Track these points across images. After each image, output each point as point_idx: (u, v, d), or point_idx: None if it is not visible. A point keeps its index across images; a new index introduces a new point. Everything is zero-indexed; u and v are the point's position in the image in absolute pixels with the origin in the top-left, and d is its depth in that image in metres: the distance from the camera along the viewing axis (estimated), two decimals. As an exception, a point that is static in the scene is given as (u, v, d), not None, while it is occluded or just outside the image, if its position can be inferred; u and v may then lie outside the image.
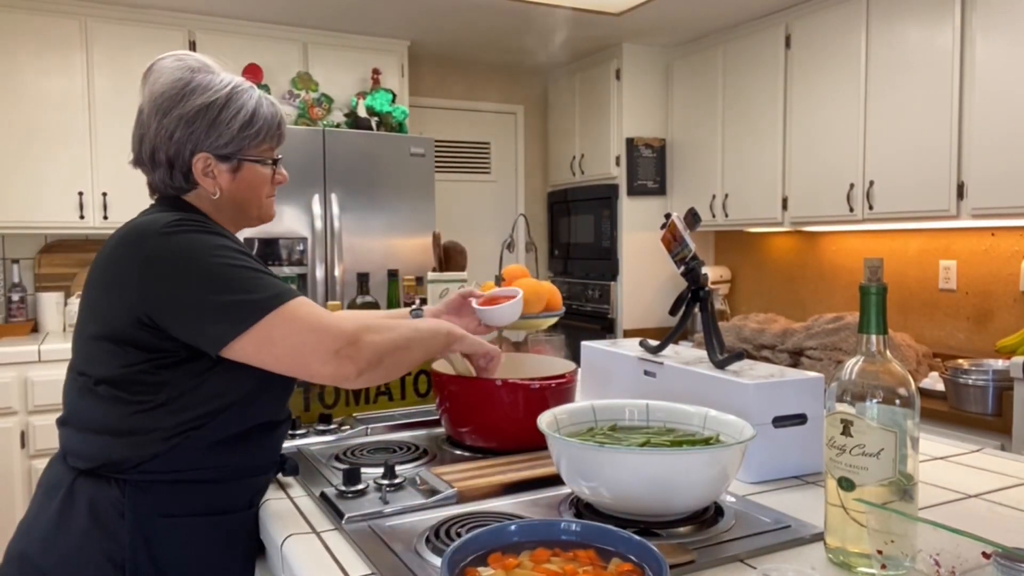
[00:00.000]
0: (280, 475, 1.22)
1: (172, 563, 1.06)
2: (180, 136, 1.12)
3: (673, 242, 1.41)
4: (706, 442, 1.04)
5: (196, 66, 1.16)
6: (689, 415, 1.12)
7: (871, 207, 3.15)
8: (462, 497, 1.09)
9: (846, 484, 0.84)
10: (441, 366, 1.42)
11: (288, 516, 1.08)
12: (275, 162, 1.22)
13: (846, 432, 0.84)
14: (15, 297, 3.50)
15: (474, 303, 1.44)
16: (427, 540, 0.94)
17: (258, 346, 1.01)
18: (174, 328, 1.02)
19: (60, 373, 1.19)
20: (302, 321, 1.02)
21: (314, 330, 1.01)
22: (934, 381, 2.80)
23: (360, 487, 1.11)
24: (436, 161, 4.01)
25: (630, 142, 4.26)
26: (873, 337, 0.85)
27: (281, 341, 1.00)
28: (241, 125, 1.14)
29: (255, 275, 1.04)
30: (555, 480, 1.10)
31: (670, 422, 1.14)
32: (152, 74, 1.16)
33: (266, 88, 3.66)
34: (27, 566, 1.06)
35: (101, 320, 1.06)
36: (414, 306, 1.49)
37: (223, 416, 1.07)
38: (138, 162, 1.17)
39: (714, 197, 4.00)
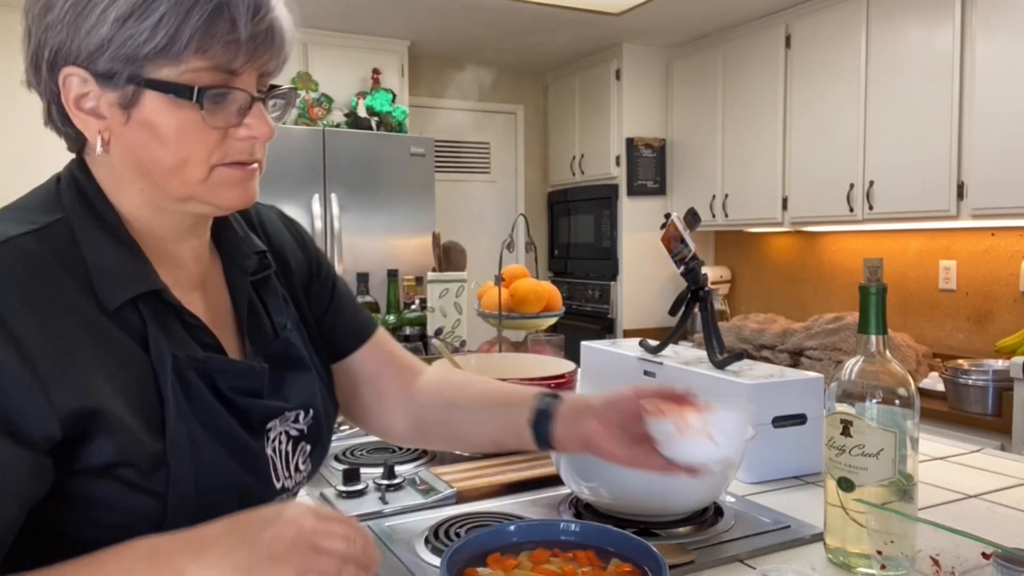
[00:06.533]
0: None
1: None
2: (34, 30, 0.66)
3: (673, 242, 1.41)
4: (706, 442, 1.04)
5: None
6: (689, 415, 1.12)
7: (871, 207, 3.15)
8: (461, 497, 1.09)
9: (846, 484, 0.84)
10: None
11: (287, 516, 1.07)
12: (201, 93, 0.64)
13: (846, 432, 0.84)
14: (15, 297, 3.49)
15: (654, 426, 0.77)
16: (426, 540, 0.94)
17: None
18: None
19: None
20: None
21: None
22: (934, 381, 2.79)
23: (359, 487, 1.11)
24: (436, 161, 4.01)
25: (630, 142, 4.26)
26: (873, 337, 0.85)
27: None
28: (127, 10, 0.61)
29: None
30: (555, 480, 1.09)
31: (670, 422, 1.13)
32: None
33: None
34: None
35: None
36: (547, 391, 0.88)
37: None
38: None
39: (714, 197, 3.99)
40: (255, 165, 0.71)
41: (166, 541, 0.57)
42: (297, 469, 0.78)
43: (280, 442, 0.76)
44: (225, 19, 0.63)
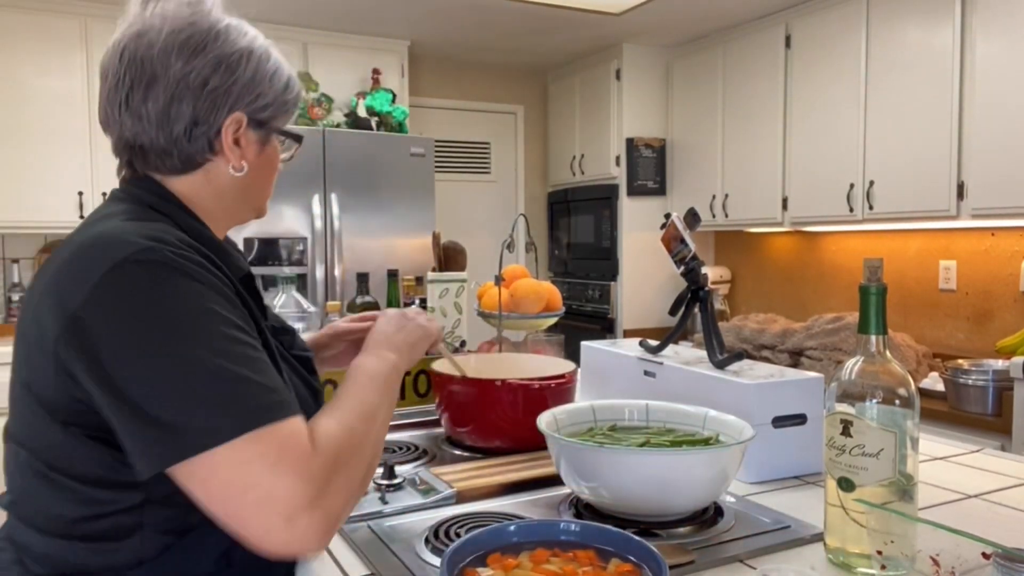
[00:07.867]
0: None
1: None
2: (218, 85, 0.83)
3: (673, 242, 1.41)
4: (706, 442, 1.04)
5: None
6: (689, 415, 1.12)
7: (871, 207, 3.15)
8: (461, 497, 1.09)
9: (846, 484, 0.84)
10: (441, 366, 1.42)
11: (287, 516, 1.07)
12: (298, 138, 0.97)
13: (846, 432, 0.84)
14: (15, 297, 3.50)
15: None
16: (426, 540, 0.94)
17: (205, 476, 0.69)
18: (107, 417, 0.70)
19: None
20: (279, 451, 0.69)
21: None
22: (934, 381, 2.79)
23: (359, 487, 1.11)
24: (436, 161, 4.02)
25: (630, 142, 4.26)
26: (873, 337, 0.85)
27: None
28: (284, 85, 0.90)
29: (242, 371, 0.71)
30: (555, 480, 1.09)
31: (670, 422, 1.13)
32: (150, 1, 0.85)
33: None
34: None
35: (32, 375, 0.76)
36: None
37: None
38: (134, 119, 0.83)
39: (714, 197, 3.99)
40: None
41: (361, 360, 0.92)
42: None
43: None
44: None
